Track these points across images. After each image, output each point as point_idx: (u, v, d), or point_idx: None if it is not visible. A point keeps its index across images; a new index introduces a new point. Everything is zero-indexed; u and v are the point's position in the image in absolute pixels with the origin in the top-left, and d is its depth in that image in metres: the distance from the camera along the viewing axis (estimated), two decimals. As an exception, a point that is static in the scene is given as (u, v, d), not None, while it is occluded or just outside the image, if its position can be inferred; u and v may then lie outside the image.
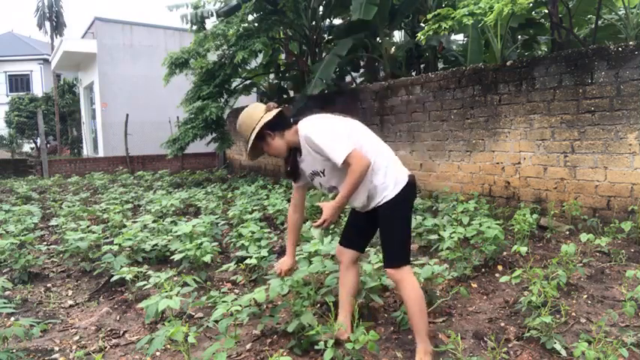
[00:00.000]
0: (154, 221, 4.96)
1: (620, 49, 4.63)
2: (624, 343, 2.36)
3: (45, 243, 5.18)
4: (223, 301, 2.50)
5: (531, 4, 6.42)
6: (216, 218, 5.21)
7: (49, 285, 3.89)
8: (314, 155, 2.33)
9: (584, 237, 3.56)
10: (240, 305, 2.49)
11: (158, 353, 2.62)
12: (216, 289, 3.36)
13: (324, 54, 10.11)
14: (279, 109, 2.40)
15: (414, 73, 9.58)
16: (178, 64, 9.95)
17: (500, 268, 3.76)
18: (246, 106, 2.48)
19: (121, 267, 3.62)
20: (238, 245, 4.05)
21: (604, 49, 4.77)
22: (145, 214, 5.84)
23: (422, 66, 9.61)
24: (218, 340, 2.40)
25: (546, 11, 7.46)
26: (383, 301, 2.97)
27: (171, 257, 3.86)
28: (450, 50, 9.16)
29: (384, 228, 2.38)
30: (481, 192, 6.02)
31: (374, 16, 7.51)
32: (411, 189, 2.36)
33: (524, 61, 5.55)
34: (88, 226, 4.88)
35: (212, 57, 10.38)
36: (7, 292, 3.58)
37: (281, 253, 4.31)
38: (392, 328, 2.74)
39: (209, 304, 2.78)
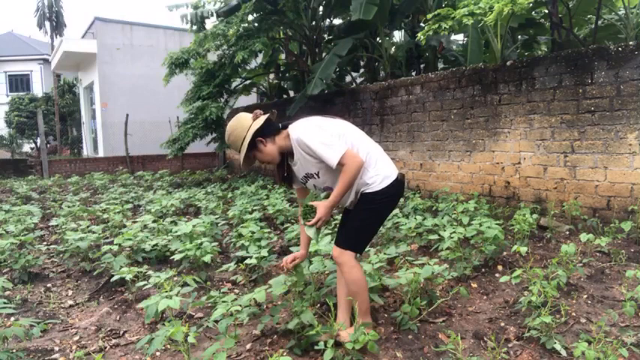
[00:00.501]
0: (154, 221, 4.96)
1: (620, 49, 4.63)
2: (624, 343, 2.36)
3: (45, 243, 5.18)
4: (223, 301, 2.50)
5: (531, 4, 6.42)
6: (216, 218, 5.21)
7: (49, 285, 3.89)
8: (307, 158, 2.35)
9: (584, 237, 3.56)
10: (240, 305, 2.50)
11: (158, 353, 2.62)
12: (216, 289, 3.36)
13: (324, 54, 10.11)
14: (266, 115, 2.42)
15: (414, 73, 9.58)
16: (178, 64, 9.96)
17: (500, 268, 3.76)
18: (235, 115, 2.50)
19: (121, 267, 3.62)
20: (238, 245, 4.06)
21: (604, 49, 4.77)
22: (145, 214, 5.84)
23: (422, 66, 9.60)
24: (218, 340, 2.39)
25: (546, 11, 7.46)
26: (383, 301, 2.97)
27: (172, 257, 3.86)
28: (450, 50, 9.15)
29: (353, 212, 2.44)
30: (481, 192, 6.02)
31: (374, 16, 7.51)
32: (397, 186, 2.41)
33: (524, 61, 5.55)
34: (88, 226, 4.88)
35: (212, 57, 10.38)
36: (7, 292, 3.58)
37: (281, 253, 4.32)
38: (392, 328, 2.74)
39: (209, 304, 2.78)
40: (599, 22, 7.10)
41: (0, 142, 22.30)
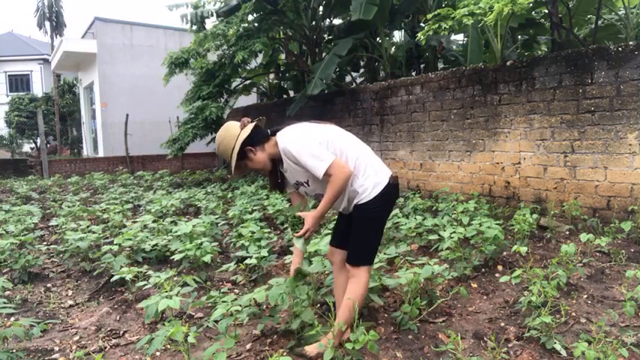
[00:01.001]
0: (154, 221, 4.96)
1: (620, 49, 4.64)
2: (624, 343, 2.36)
3: (45, 243, 5.18)
4: (223, 301, 2.50)
5: (531, 4, 6.42)
6: (216, 218, 5.21)
7: (49, 285, 3.89)
8: (295, 167, 2.32)
9: (584, 237, 3.56)
10: (240, 305, 2.50)
11: (158, 353, 2.62)
12: (216, 289, 3.36)
13: (324, 54, 10.11)
14: (254, 122, 2.40)
15: (414, 73, 9.58)
16: (178, 64, 9.96)
17: (500, 268, 3.76)
18: (232, 116, 2.46)
19: (121, 267, 3.62)
20: (238, 245, 4.06)
21: (604, 49, 4.77)
22: (145, 214, 5.84)
23: (422, 66, 9.61)
24: (218, 340, 2.39)
25: (546, 11, 7.46)
26: (383, 301, 2.97)
27: (172, 257, 3.86)
28: (450, 50, 9.15)
29: (355, 227, 2.39)
30: (481, 192, 6.02)
31: (374, 16, 7.51)
32: (390, 191, 2.34)
33: (524, 61, 5.55)
34: (88, 226, 4.87)
35: (212, 57, 10.38)
36: (7, 292, 3.57)
37: (281, 253, 4.32)
38: (392, 328, 2.74)
39: (209, 304, 2.78)
40: (599, 22, 7.10)
41: (0, 142, 22.31)
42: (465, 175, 6.30)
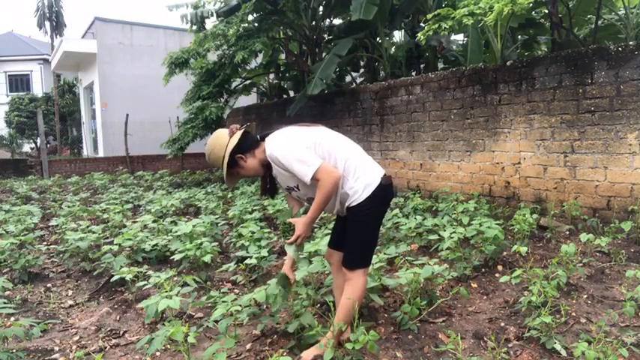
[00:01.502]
0: (154, 221, 4.96)
1: (620, 49, 4.63)
2: (624, 343, 2.36)
3: (45, 243, 5.18)
4: (223, 301, 2.50)
5: (531, 4, 6.42)
6: (216, 218, 5.21)
7: (49, 285, 3.89)
8: (283, 172, 2.31)
9: (584, 237, 3.56)
10: (240, 305, 2.50)
11: (158, 353, 2.62)
12: (216, 289, 3.36)
13: (324, 54, 10.11)
14: (242, 129, 2.38)
15: (414, 73, 9.57)
16: (178, 64, 9.96)
17: (500, 268, 3.76)
18: (213, 134, 2.44)
19: (121, 267, 3.62)
20: (238, 245, 4.06)
21: (604, 49, 4.77)
22: (145, 214, 5.84)
23: (422, 66, 9.60)
24: (218, 340, 2.39)
25: (546, 11, 7.46)
26: (383, 301, 2.97)
27: (172, 257, 3.86)
28: (450, 50, 9.15)
29: (349, 230, 2.37)
30: (481, 192, 6.02)
31: (374, 16, 7.51)
32: (382, 191, 2.30)
33: (524, 61, 5.55)
34: (88, 226, 4.87)
35: (212, 57, 10.38)
36: (7, 292, 3.57)
37: (281, 253, 4.32)
38: (392, 328, 2.74)
39: (209, 304, 2.78)
40: (599, 22, 7.10)
41: (0, 142, 22.31)
42: (465, 175, 6.30)
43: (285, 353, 2.39)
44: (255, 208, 5.81)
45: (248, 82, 11.83)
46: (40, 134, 14.55)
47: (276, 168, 2.31)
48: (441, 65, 9.68)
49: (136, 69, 16.78)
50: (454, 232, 3.62)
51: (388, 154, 7.57)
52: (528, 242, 4.25)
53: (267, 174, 2.43)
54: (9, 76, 28.03)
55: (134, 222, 5.25)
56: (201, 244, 3.75)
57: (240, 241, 4.00)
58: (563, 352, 2.35)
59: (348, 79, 12.08)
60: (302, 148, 2.23)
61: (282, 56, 11.81)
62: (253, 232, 4.07)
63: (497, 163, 5.84)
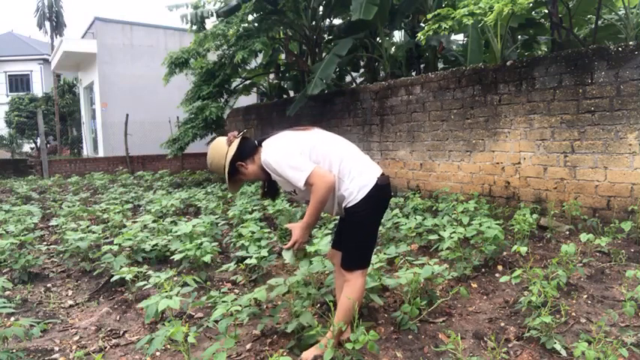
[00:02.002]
0: (154, 221, 4.96)
1: (620, 49, 4.63)
2: (624, 343, 2.36)
3: (45, 243, 5.18)
4: (223, 301, 2.50)
5: (531, 4, 6.41)
6: (216, 218, 5.21)
7: (49, 285, 3.89)
8: (278, 178, 2.33)
9: (584, 237, 3.56)
10: (240, 305, 2.50)
11: (158, 353, 2.62)
12: (216, 289, 3.36)
13: (324, 54, 10.11)
14: (240, 136, 2.41)
15: (414, 73, 9.57)
16: (178, 64, 9.96)
17: (500, 268, 3.76)
18: (213, 141, 2.48)
19: (121, 267, 3.62)
20: (238, 245, 4.05)
21: (604, 49, 4.77)
22: (145, 214, 5.84)
23: (422, 66, 9.60)
24: (218, 340, 2.39)
25: (546, 11, 7.46)
26: (383, 301, 2.97)
27: (172, 257, 3.86)
28: (450, 50, 9.15)
29: (346, 231, 2.40)
30: (481, 192, 6.02)
31: (374, 16, 7.51)
32: (378, 192, 2.30)
33: (524, 61, 5.55)
34: (88, 226, 4.87)
35: (212, 57, 10.38)
36: (7, 292, 3.57)
37: (281, 253, 4.31)
38: (392, 328, 2.74)
39: (209, 304, 2.78)
40: (599, 22, 7.10)
41: (0, 142, 22.31)
42: (465, 175, 6.30)
43: (285, 353, 2.39)
44: (255, 208, 5.81)
45: (248, 82, 11.83)
46: (40, 134, 14.55)
47: (271, 174, 2.34)
48: (441, 65, 9.68)
49: (136, 69, 16.78)
50: (454, 232, 3.62)
51: (388, 154, 7.57)
52: (528, 242, 4.25)
53: (268, 178, 2.44)
54: (9, 76, 28.03)
55: (134, 222, 5.25)
56: (201, 244, 3.75)
57: (240, 241, 4.00)
58: (563, 352, 2.35)
59: (348, 79, 12.08)
60: (295, 154, 2.24)
61: (282, 56, 11.82)
62: (253, 232, 4.07)
63: (497, 163, 5.84)
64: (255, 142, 2.42)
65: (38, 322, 2.81)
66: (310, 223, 2.29)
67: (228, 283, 3.74)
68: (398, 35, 11.76)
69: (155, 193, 8.40)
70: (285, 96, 12.21)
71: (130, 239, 4.08)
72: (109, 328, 2.97)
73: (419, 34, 6.13)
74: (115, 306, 3.31)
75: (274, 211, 5.57)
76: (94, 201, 8.00)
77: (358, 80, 12.00)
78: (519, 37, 8.39)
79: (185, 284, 2.91)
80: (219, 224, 5.10)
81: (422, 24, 7.96)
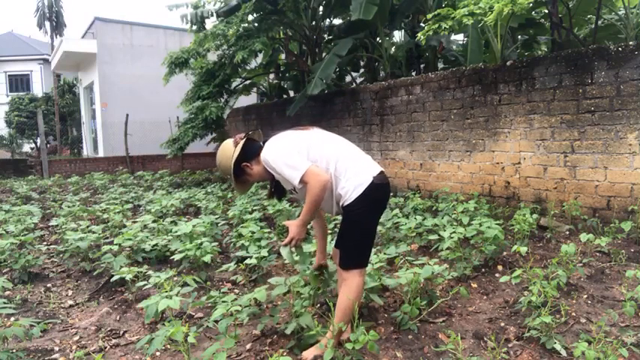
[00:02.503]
0: (154, 221, 4.96)
1: (620, 49, 4.63)
2: (624, 343, 2.36)
3: (45, 243, 5.18)
4: (223, 301, 2.50)
5: (531, 4, 6.42)
6: (216, 218, 5.21)
7: (49, 285, 3.89)
8: (278, 176, 2.37)
9: (584, 237, 3.56)
10: (240, 305, 2.50)
11: (158, 353, 2.62)
12: (216, 289, 3.36)
13: (324, 54, 10.11)
14: (245, 137, 2.46)
15: (414, 73, 9.57)
16: (178, 64, 9.96)
17: (500, 268, 3.76)
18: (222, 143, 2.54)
19: (121, 267, 3.62)
20: (238, 245, 4.06)
21: (604, 49, 4.77)
22: (145, 214, 5.84)
23: (422, 66, 9.60)
24: (218, 340, 2.39)
25: (546, 11, 7.46)
26: (383, 301, 2.97)
27: (172, 257, 3.86)
28: (450, 50, 9.15)
29: (343, 229, 2.41)
30: (481, 192, 6.02)
31: (374, 16, 7.51)
32: (375, 190, 2.30)
33: (524, 61, 5.55)
34: (88, 226, 4.87)
35: (212, 57, 10.38)
36: (7, 292, 3.58)
37: (280, 253, 4.31)
38: (392, 328, 2.74)
39: (209, 304, 2.78)
40: (599, 22, 7.10)
41: (0, 142, 22.31)
42: (465, 175, 6.30)
43: (285, 353, 2.39)
44: (255, 208, 5.81)
45: (248, 82, 11.84)
46: (40, 134, 14.54)
47: (272, 172, 2.37)
48: (441, 65, 9.68)
49: (136, 69, 16.77)
50: (454, 232, 3.62)
51: (388, 154, 7.57)
52: (528, 242, 4.25)
53: (273, 178, 2.48)
54: (9, 76, 28.03)
55: (134, 222, 5.25)
56: (201, 244, 3.75)
57: (240, 241, 4.00)
58: (563, 352, 2.35)
59: (348, 79, 12.08)
60: (292, 153, 2.28)
61: (282, 56, 11.82)
62: (253, 232, 4.07)
63: (497, 163, 5.84)
64: (261, 142, 2.47)
65: (38, 322, 2.81)
66: (306, 220, 2.32)
67: (228, 283, 3.74)
68: (398, 35, 11.76)
69: (155, 193, 8.40)
70: (285, 96, 12.21)
71: (130, 239, 4.08)
72: (109, 328, 2.97)
73: (419, 34, 6.13)
74: (115, 306, 3.31)
75: (274, 211, 5.57)
76: (94, 201, 8.00)
77: (358, 80, 12.00)
78: (519, 37, 8.39)
79: (185, 284, 2.91)
80: (219, 224, 5.10)
81: (422, 24, 7.96)
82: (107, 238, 4.84)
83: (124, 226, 5.18)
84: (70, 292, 3.75)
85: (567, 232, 4.73)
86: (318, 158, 2.31)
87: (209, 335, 2.78)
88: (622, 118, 4.62)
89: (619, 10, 7.20)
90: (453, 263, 3.62)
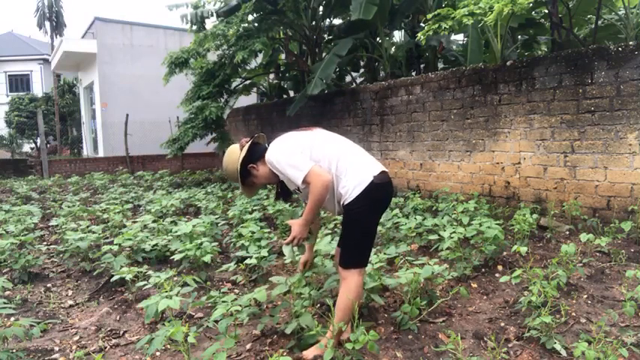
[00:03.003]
0: (154, 221, 4.96)
1: (620, 49, 4.63)
2: (624, 343, 2.36)
3: (45, 243, 5.18)
4: (223, 301, 2.50)
5: (531, 4, 6.42)
6: (216, 218, 5.21)
7: (49, 285, 3.89)
8: (282, 176, 2.40)
9: (584, 237, 3.56)
10: (240, 305, 2.50)
11: (158, 353, 2.62)
12: (216, 289, 3.36)
13: (324, 54, 10.11)
14: (250, 140, 2.49)
15: (414, 73, 9.57)
16: (178, 64, 9.96)
17: (500, 268, 3.76)
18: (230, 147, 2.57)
19: (121, 267, 3.62)
20: (238, 245, 4.06)
21: (604, 49, 4.76)
22: (145, 214, 5.84)
23: (422, 66, 9.60)
24: (218, 340, 2.39)
25: (546, 11, 7.46)
26: (383, 301, 2.97)
27: (172, 257, 3.86)
28: (450, 50, 9.15)
29: (343, 228, 2.43)
30: (481, 192, 6.02)
31: (374, 16, 7.51)
32: (375, 189, 2.30)
33: (524, 61, 5.55)
34: (88, 226, 4.87)
35: (212, 57, 10.38)
36: (7, 292, 3.58)
37: (281, 253, 4.31)
38: (392, 328, 2.74)
39: (209, 304, 2.78)
40: (599, 22, 7.10)
41: (0, 142, 22.30)
42: (465, 175, 6.30)
43: (285, 353, 2.39)
44: (255, 208, 5.81)
45: (248, 82, 11.83)
46: (40, 134, 14.54)
47: (276, 172, 2.39)
48: (441, 65, 9.68)
49: (136, 69, 16.77)
50: (454, 232, 3.62)
51: (388, 154, 7.57)
52: (528, 242, 4.25)
53: (279, 180, 2.50)
54: (9, 76, 28.03)
55: (134, 222, 5.25)
56: (201, 244, 3.75)
57: (240, 241, 4.01)
58: (563, 352, 2.35)
59: (348, 79, 12.08)
60: (295, 153, 2.31)
61: (282, 56, 11.82)
62: (253, 232, 4.07)
63: (497, 163, 5.84)
64: (266, 145, 2.50)
65: (38, 322, 2.81)
66: (309, 220, 2.35)
67: (228, 283, 3.74)
68: (398, 35, 11.76)
69: (155, 193, 8.40)
70: (285, 96, 12.21)
71: (130, 239, 4.08)
72: (109, 328, 2.97)
73: (419, 34, 6.13)
74: (115, 306, 3.31)
75: (274, 211, 5.57)
76: (94, 201, 8.00)
77: (358, 80, 12.00)
78: (519, 37, 8.39)
79: (185, 284, 2.91)
80: (219, 224, 5.10)
81: (422, 24, 7.96)
82: (107, 238, 4.84)
83: (124, 226, 5.18)
84: (70, 292, 3.75)
85: (567, 232, 4.73)
86: (320, 158, 2.34)
87: (209, 335, 2.78)
88: (622, 118, 4.62)
89: (619, 10, 7.20)
90: (453, 263, 3.62)
